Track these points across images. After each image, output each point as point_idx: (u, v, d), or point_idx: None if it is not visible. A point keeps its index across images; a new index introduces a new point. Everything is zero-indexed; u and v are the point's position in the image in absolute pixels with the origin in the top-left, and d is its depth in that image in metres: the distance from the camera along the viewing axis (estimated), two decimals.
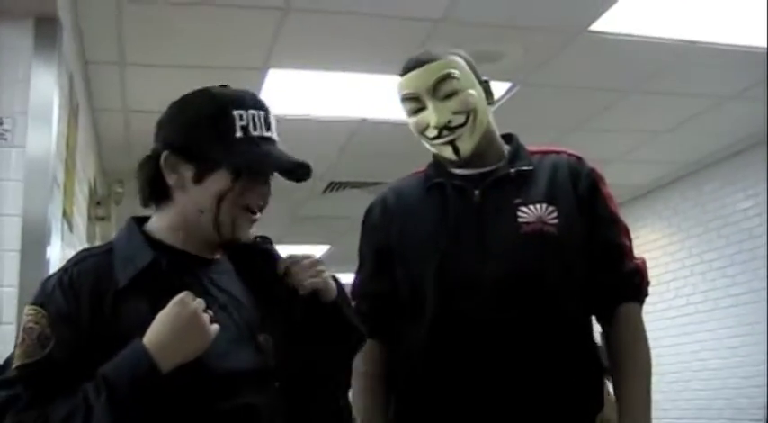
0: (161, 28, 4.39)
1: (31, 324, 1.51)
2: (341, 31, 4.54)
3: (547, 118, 6.04)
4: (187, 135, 1.66)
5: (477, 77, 2.12)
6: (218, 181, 1.62)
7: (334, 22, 4.43)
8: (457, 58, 2.08)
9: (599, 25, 4.55)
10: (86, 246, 4.61)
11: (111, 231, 6.04)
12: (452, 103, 2.03)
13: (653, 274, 8.39)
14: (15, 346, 1.52)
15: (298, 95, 5.35)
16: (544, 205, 2.00)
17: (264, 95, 5.34)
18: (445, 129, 2.03)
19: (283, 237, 9.53)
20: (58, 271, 1.59)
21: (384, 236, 2.15)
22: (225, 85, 1.79)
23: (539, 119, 6.04)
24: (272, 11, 4.26)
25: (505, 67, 5.03)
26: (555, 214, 2.00)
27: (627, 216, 8.03)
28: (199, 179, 1.63)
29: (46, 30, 3.32)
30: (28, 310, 1.53)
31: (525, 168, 2.08)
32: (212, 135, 1.63)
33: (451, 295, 1.98)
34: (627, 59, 5.05)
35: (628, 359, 2.03)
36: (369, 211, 2.28)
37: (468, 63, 2.12)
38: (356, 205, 8.08)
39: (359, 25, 4.47)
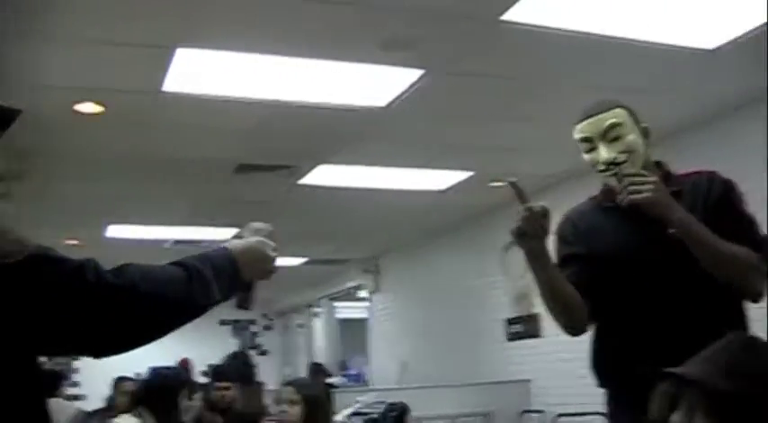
0: (66, 0, 4.26)
1: None
2: (252, 13, 4.45)
3: (459, 106, 6.06)
4: None
5: (638, 123, 2.72)
6: None
7: (245, 3, 4.36)
8: (620, 110, 2.70)
9: (510, 15, 4.55)
10: None
11: (10, 208, 5.87)
12: (618, 145, 2.63)
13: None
14: None
15: (207, 75, 5.25)
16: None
17: (172, 74, 5.26)
18: (611, 164, 2.62)
19: (191, 219, 9.42)
20: None
21: (573, 248, 2.78)
22: None
23: (452, 107, 6.06)
24: None
25: (419, 53, 5.03)
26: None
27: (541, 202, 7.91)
28: None
29: None
30: None
31: (674, 189, 2.60)
32: None
33: (628, 285, 2.64)
34: (539, 51, 5.09)
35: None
36: (559, 227, 2.88)
37: (630, 112, 2.73)
38: (265, 188, 8.07)
39: (271, 7, 4.40)
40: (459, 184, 8.25)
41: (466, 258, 10.35)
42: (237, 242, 2.01)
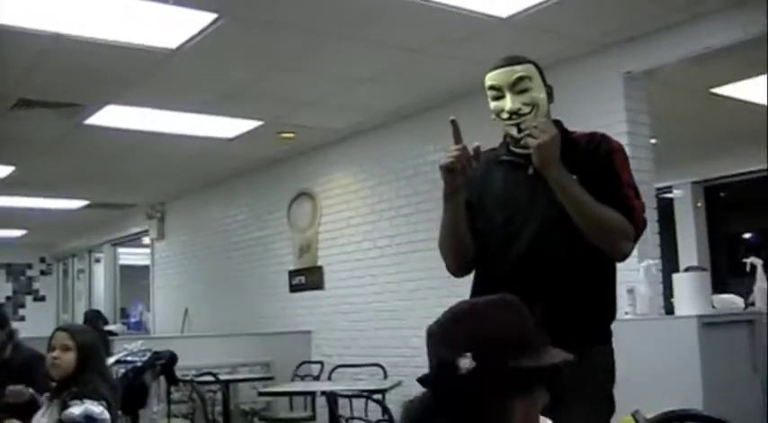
0: None
1: None
2: None
3: (250, 54, 5.98)
4: None
5: (544, 82, 2.82)
6: None
7: None
8: (532, 67, 2.80)
9: None
10: None
11: None
12: (523, 97, 2.76)
13: (344, 217, 8.64)
14: None
15: None
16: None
17: None
18: (515, 114, 2.75)
19: None
20: None
21: (467, 194, 2.85)
22: None
23: (243, 54, 5.98)
24: None
25: None
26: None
27: (322, 159, 8.15)
28: None
29: None
30: None
31: (564, 147, 2.69)
32: None
33: (508, 239, 2.77)
34: (333, 4, 5.10)
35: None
36: None
37: (539, 70, 2.82)
38: (45, 126, 7.71)
39: None
40: (248, 133, 8.19)
41: (252, 208, 10.31)
42: None
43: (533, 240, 2.73)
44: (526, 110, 2.75)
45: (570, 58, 6.05)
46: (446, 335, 1.64)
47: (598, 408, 2.67)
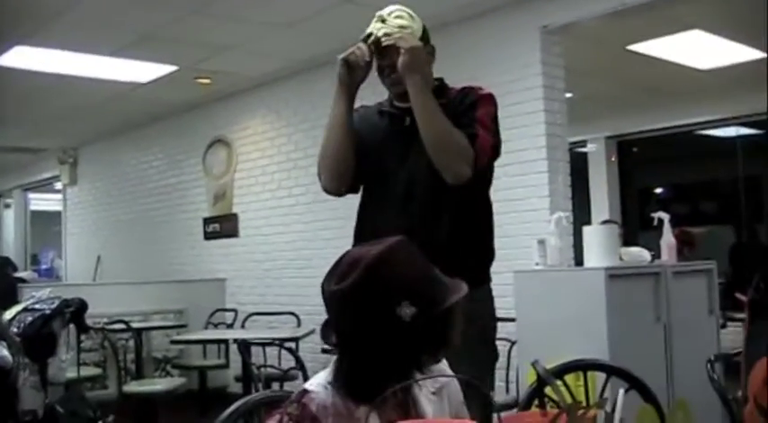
0: None
1: None
2: None
3: None
4: None
5: (427, 41, 2.95)
6: None
7: None
8: (419, 21, 2.94)
9: None
10: None
11: None
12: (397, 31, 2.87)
13: (259, 164, 8.56)
14: None
15: None
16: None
17: None
18: (385, 35, 2.87)
19: None
20: None
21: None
22: None
23: None
24: None
25: None
26: None
27: (238, 106, 8.04)
28: None
29: None
30: None
31: (441, 101, 2.84)
32: None
33: (385, 183, 2.93)
34: None
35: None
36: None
37: (425, 31, 2.95)
38: None
39: None
40: (163, 77, 8.04)
41: (167, 154, 10.17)
42: None
43: (407, 185, 2.85)
44: (390, 41, 2.86)
45: (489, 11, 6.05)
46: (373, 285, 1.66)
47: (478, 352, 2.72)
